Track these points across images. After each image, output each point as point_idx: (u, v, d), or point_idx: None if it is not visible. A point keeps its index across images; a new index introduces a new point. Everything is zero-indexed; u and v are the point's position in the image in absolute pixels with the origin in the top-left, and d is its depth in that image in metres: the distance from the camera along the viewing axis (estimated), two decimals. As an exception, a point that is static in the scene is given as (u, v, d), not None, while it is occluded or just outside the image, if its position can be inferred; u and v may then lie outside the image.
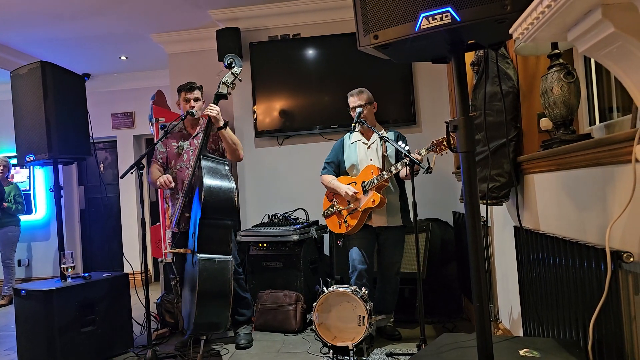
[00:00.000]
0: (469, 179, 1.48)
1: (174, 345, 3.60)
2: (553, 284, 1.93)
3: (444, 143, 2.95)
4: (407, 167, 3.06)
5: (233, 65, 3.45)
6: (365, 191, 3.38)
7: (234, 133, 4.81)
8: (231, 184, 3.22)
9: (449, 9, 1.28)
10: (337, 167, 3.64)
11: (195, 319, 2.98)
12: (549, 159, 2.01)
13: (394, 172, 3.25)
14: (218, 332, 3.36)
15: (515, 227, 2.41)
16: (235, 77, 3.46)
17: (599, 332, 1.55)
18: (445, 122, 1.50)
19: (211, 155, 3.35)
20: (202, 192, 3.06)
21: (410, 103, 4.67)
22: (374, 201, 3.31)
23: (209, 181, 3.11)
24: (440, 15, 1.30)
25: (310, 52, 4.86)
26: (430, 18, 1.31)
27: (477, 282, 1.47)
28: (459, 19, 1.28)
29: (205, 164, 3.20)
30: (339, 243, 3.71)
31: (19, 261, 6.66)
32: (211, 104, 3.38)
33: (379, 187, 3.32)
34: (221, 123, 3.38)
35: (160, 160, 3.58)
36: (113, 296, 3.53)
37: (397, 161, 3.48)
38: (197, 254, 3.04)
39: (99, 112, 6.41)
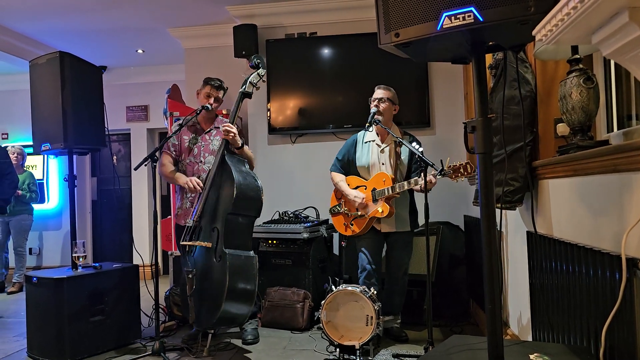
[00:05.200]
0: (485, 180, 1.47)
1: (181, 337, 3.62)
2: (565, 290, 1.92)
3: (461, 170, 2.91)
4: (420, 184, 3.03)
5: (260, 66, 3.49)
6: (374, 200, 3.36)
7: (247, 130, 4.83)
8: (258, 182, 3.28)
9: (472, 8, 1.28)
10: (347, 164, 3.62)
11: (220, 313, 3.02)
12: (565, 164, 1.99)
13: (406, 187, 3.21)
14: (235, 325, 3.45)
15: (528, 232, 2.40)
16: (260, 78, 3.49)
17: (611, 340, 1.54)
18: (464, 123, 1.50)
19: (234, 154, 3.37)
20: (234, 188, 3.10)
21: (425, 105, 4.66)
22: (382, 212, 3.30)
23: (238, 177, 3.16)
24: (463, 15, 1.29)
25: (326, 51, 4.86)
26: (452, 17, 1.31)
27: (490, 284, 1.46)
28: (481, 19, 1.27)
29: (230, 160, 3.24)
30: (343, 244, 3.71)
31: (30, 249, 6.73)
32: (228, 123, 3.34)
33: (389, 197, 3.31)
34: (239, 143, 3.36)
35: (174, 153, 3.57)
36: (123, 287, 3.55)
37: (410, 167, 3.47)
38: (225, 249, 3.08)
39: (114, 105, 6.45)
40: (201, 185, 3.36)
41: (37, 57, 3.65)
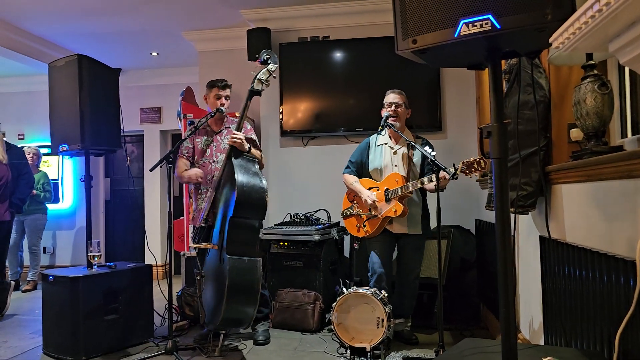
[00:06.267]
0: (500, 185, 1.48)
1: (192, 337, 3.66)
2: (578, 294, 1.92)
3: (474, 165, 2.93)
4: (433, 182, 3.06)
5: (269, 61, 3.38)
6: (387, 199, 3.38)
7: (259, 133, 4.86)
8: (263, 183, 3.22)
9: (490, 16, 1.30)
10: (360, 167, 3.64)
11: (223, 314, 3.03)
12: (579, 169, 2.00)
13: (419, 186, 3.24)
14: (242, 327, 3.43)
15: (541, 236, 2.40)
16: (270, 74, 3.39)
17: (625, 345, 1.55)
18: (479, 128, 1.51)
19: (244, 154, 3.38)
20: (235, 190, 3.08)
21: (436, 109, 4.67)
22: (395, 211, 3.32)
23: (241, 178, 3.12)
24: (481, 22, 1.31)
25: (338, 55, 4.89)
26: (470, 25, 1.33)
27: (504, 288, 1.48)
28: (499, 27, 1.29)
29: (236, 161, 3.24)
30: (355, 246, 3.72)
31: (44, 248, 6.81)
32: (234, 132, 3.31)
33: (402, 196, 3.33)
34: (246, 148, 3.31)
35: (187, 155, 3.63)
36: (136, 286, 3.60)
37: (422, 169, 3.49)
38: (226, 254, 3.08)
39: (128, 106, 6.51)
40: (199, 175, 3.46)
41: (55, 60, 3.72)
